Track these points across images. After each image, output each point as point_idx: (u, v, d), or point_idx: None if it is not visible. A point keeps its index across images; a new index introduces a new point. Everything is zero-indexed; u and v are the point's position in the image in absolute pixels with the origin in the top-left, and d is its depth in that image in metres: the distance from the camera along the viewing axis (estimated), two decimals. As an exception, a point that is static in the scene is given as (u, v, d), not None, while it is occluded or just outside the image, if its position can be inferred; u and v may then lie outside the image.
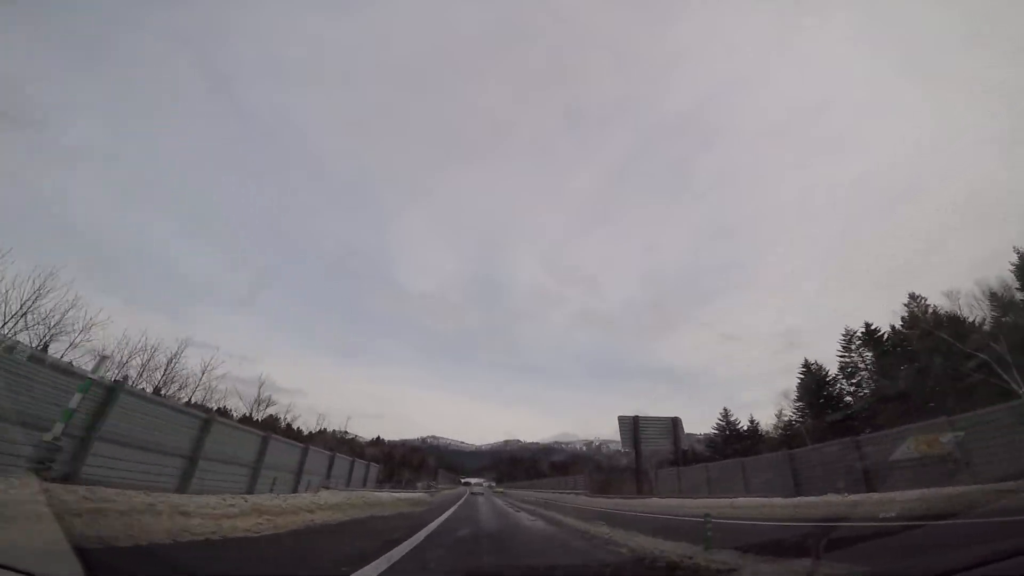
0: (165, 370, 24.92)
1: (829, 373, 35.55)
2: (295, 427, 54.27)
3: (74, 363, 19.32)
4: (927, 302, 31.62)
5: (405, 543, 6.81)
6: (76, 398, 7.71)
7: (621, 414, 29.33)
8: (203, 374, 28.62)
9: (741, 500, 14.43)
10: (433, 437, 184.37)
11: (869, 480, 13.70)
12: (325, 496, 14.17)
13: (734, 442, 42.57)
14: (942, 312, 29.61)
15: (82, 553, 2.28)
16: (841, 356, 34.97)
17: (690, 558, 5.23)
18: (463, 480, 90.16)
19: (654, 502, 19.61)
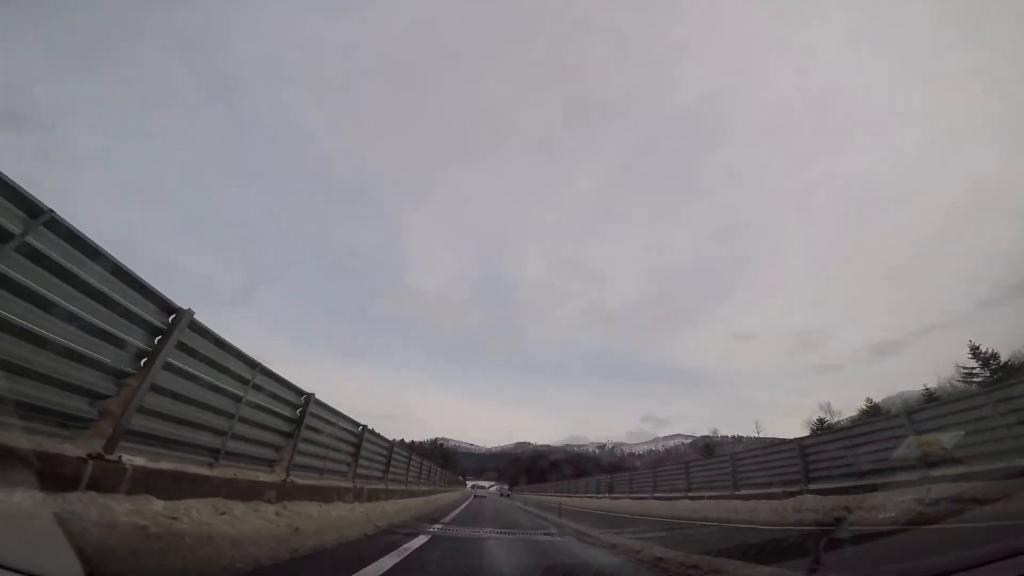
0: None
1: None
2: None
3: None
4: None
5: None
6: None
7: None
8: None
9: None
10: (443, 439, 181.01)
11: None
12: None
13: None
14: None
15: (82, 553, 2.24)
16: None
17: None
18: (471, 483, 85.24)
19: None
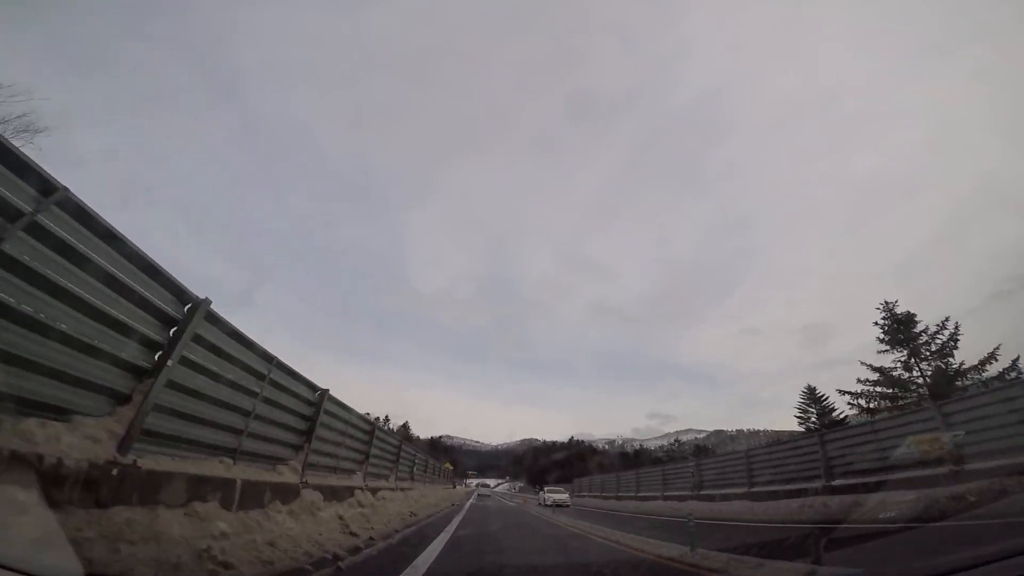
0: None
1: None
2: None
3: None
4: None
5: None
6: None
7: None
8: None
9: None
10: (447, 436, 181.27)
11: None
12: None
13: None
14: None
15: (82, 553, 2.27)
16: None
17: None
18: (475, 482, 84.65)
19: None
